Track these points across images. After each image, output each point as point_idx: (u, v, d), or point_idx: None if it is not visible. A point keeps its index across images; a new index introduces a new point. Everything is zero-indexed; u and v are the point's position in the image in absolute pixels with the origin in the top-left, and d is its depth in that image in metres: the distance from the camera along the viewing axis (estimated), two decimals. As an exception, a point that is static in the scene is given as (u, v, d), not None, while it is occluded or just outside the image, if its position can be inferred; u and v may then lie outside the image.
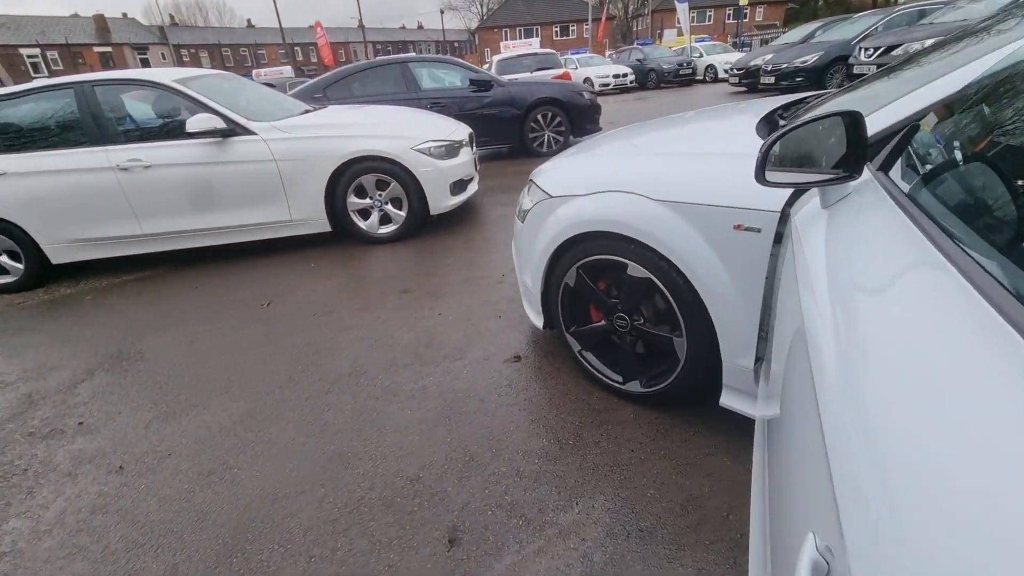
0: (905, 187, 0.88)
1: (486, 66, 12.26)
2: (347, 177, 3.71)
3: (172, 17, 53.44)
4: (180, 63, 44.94)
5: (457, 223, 4.27)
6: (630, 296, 1.73)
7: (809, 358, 0.66)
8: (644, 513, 1.46)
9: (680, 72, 16.76)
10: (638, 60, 17.83)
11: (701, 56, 17.88)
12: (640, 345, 1.83)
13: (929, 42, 7.82)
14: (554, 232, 1.86)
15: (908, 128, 1.00)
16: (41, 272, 3.79)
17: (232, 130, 3.53)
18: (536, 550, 1.38)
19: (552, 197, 1.90)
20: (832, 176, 0.97)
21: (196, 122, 3.38)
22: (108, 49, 41.45)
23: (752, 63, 12.10)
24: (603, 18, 31.20)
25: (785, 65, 10.72)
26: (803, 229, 1.06)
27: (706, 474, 1.57)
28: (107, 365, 2.58)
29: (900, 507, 0.40)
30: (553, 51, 11.29)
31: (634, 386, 1.84)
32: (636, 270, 1.65)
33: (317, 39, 23.14)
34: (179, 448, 1.92)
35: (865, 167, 1.00)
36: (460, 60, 6.81)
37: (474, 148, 4.44)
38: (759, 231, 1.32)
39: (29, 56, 37.70)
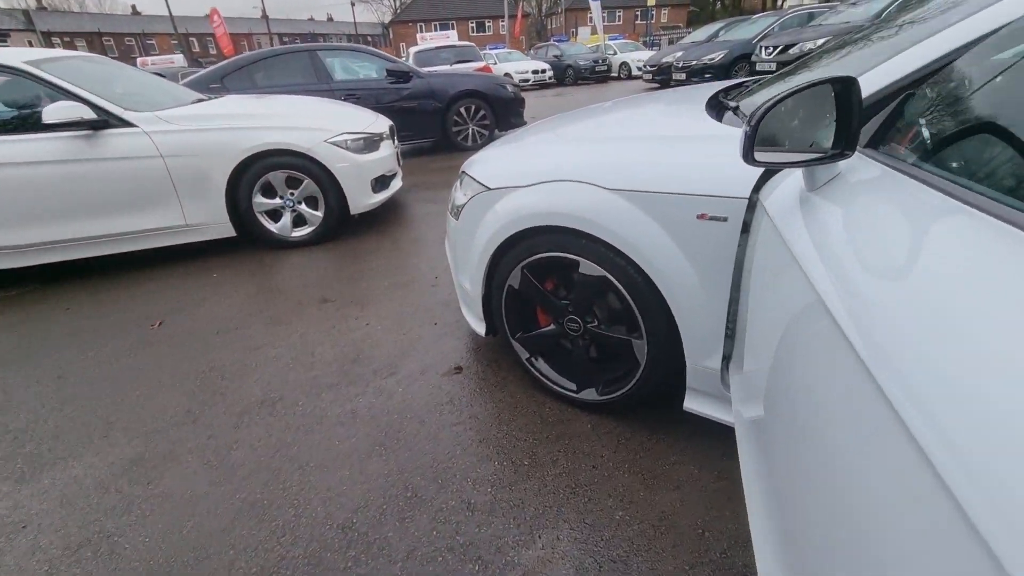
0: (913, 161, 0.77)
1: (402, 59, 11.79)
2: (252, 174, 3.29)
3: (39, 0, 47.05)
4: (51, 53, 39.62)
5: (381, 223, 3.95)
6: (582, 296, 1.57)
7: (854, 348, 0.58)
8: (614, 540, 1.30)
9: (596, 69, 17.20)
10: (555, 56, 18.10)
11: (615, 54, 18.47)
12: (594, 349, 1.68)
13: (820, 41, 8.48)
14: (494, 229, 1.66)
15: (905, 95, 0.90)
16: None
17: (105, 121, 2.99)
18: (498, 600, 1.19)
19: (489, 190, 1.70)
20: (823, 155, 0.85)
21: (55, 111, 2.82)
22: (-47, 35, 35.84)
23: (664, 60, 12.61)
24: (519, 14, 31.31)
25: (695, 62, 11.26)
26: (785, 216, 0.94)
27: (675, 487, 1.45)
28: (-58, 413, 2.06)
29: None
30: (472, 44, 11.05)
31: (590, 394, 1.69)
32: (589, 268, 1.49)
33: (214, 28, 21.29)
34: (38, 516, 1.52)
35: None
36: (375, 49, 6.41)
37: (396, 141, 4.13)
38: (725, 220, 1.20)
39: None
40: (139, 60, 18.69)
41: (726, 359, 1.36)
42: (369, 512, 1.43)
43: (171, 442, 1.78)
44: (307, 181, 3.38)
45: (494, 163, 1.79)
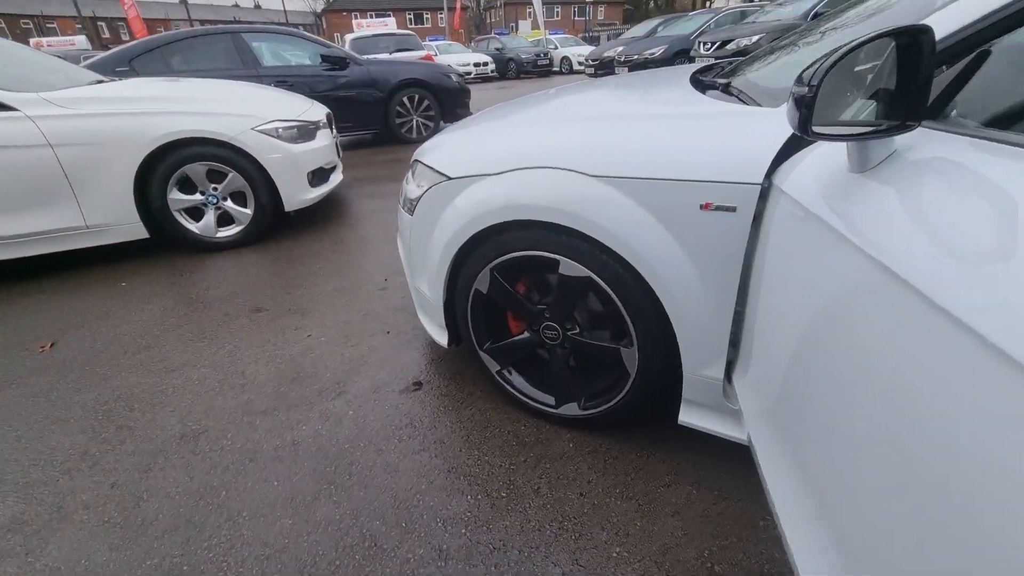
0: (995, 131, 0.63)
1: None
2: (166, 167, 2.87)
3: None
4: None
5: (321, 221, 3.60)
6: (563, 301, 1.38)
7: (993, 343, 0.46)
8: (615, 585, 1.12)
9: (539, 63, 17.20)
10: (497, 50, 17.94)
11: (556, 48, 18.54)
12: (575, 359, 1.49)
13: (755, 38, 8.76)
14: (457, 225, 1.44)
15: (980, 49, 0.74)
16: None
17: (-30, 103, 2.50)
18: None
19: (449, 179, 1.47)
20: (883, 126, 0.69)
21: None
22: None
23: (605, 55, 12.70)
24: (458, 7, 30.78)
25: (636, 56, 11.39)
26: (830, 201, 0.78)
27: (673, 511, 1.28)
28: None
29: None
30: (413, 32, 10.63)
31: (570, 409, 1.50)
32: (570, 268, 1.30)
33: (125, 11, 19.41)
34: None
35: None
36: (308, 33, 5.94)
37: (334, 130, 3.78)
38: (734, 210, 1.04)
39: None
40: (33, 41, 16.74)
41: (729, 367, 1.20)
42: (319, 572, 1.18)
43: (61, 495, 1.43)
44: (232, 174, 2.99)
45: (453, 149, 1.56)
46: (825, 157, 0.89)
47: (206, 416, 1.70)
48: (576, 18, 43.34)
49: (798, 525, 0.80)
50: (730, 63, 1.79)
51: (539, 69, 17.22)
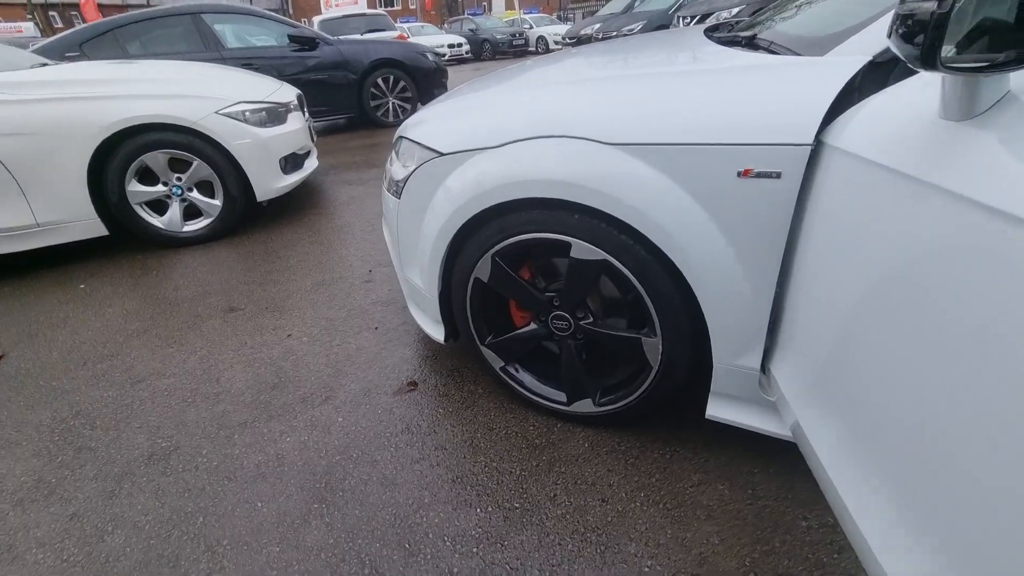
0: None
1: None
2: (122, 156, 2.63)
3: None
4: None
5: (296, 211, 3.39)
6: (575, 287, 1.23)
7: None
8: (652, 606, 1.00)
9: (514, 43, 16.86)
10: (471, 31, 17.56)
11: (531, 28, 18.17)
12: (588, 351, 1.35)
13: (735, 10, 8.61)
14: (452, 208, 1.27)
15: None
16: None
17: None
18: None
19: (442, 155, 1.31)
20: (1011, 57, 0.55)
21: None
22: None
23: (583, 32, 12.42)
24: (429, -13, 29.95)
25: (614, 33, 11.13)
26: (915, 158, 0.64)
27: (706, 515, 1.16)
28: None
29: None
30: (384, 12, 10.23)
31: (584, 406, 1.36)
32: (584, 250, 1.15)
33: (78, -2, 18.36)
34: None
35: None
36: (273, 13, 5.61)
37: (306, 113, 3.54)
38: (778, 176, 0.90)
39: None
40: (-26, 30, 15.79)
41: (764, 355, 1.08)
42: (313, 609, 1.03)
43: (11, 532, 1.25)
44: (197, 163, 2.76)
45: (444, 121, 1.38)
46: (892, 107, 0.76)
47: (177, 431, 1.53)
48: (550, -4, 42.57)
49: (877, 520, 0.69)
50: (739, 21, 1.63)
51: (515, 49, 16.89)
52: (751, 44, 1.20)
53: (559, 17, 25.67)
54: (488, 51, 16.87)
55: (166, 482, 1.36)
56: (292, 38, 5.24)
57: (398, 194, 1.46)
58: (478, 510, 1.22)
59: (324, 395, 1.63)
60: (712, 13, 9.16)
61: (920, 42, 0.52)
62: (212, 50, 4.98)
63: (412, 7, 35.38)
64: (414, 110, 5.94)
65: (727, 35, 1.37)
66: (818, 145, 0.87)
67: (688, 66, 1.12)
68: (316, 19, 9.33)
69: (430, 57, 5.99)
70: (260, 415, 1.57)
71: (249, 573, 1.11)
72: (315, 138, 3.68)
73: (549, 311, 1.30)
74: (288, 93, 3.28)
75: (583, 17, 23.43)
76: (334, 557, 1.13)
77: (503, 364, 1.45)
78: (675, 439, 1.36)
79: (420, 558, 1.12)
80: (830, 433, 0.83)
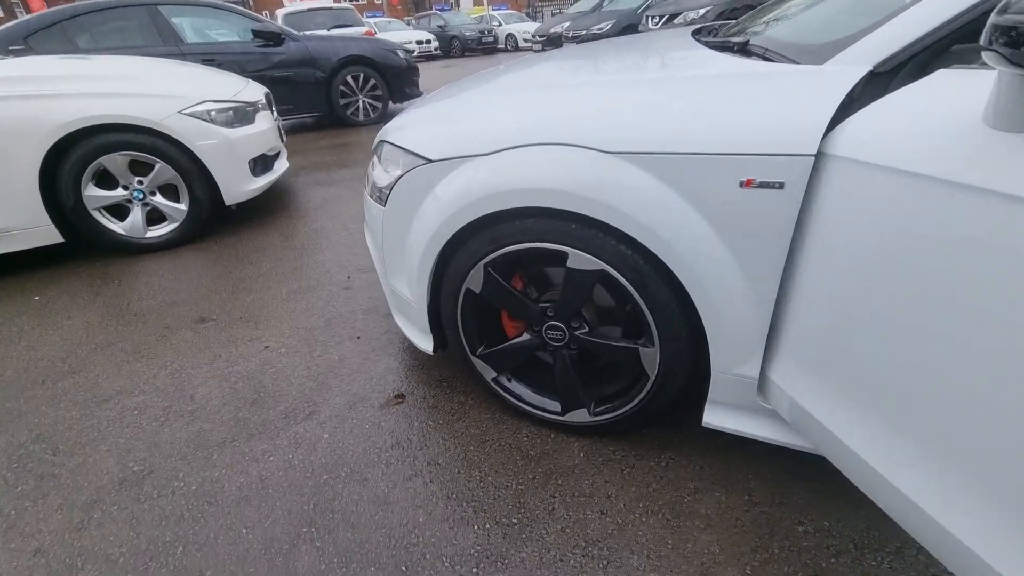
0: None
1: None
2: (77, 159, 2.47)
3: None
4: None
5: (267, 214, 3.27)
6: (571, 298, 1.21)
7: None
8: (659, 621, 0.99)
9: (483, 40, 16.72)
10: (439, 27, 17.30)
11: (500, 24, 18.06)
12: (582, 360, 1.33)
13: (702, 11, 8.76)
14: (442, 216, 1.23)
15: None
16: None
17: None
18: None
19: (431, 162, 1.26)
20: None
21: None
22: None
23: (553, 30, 12.44)
24: (395, -18, 29.43)
25: (584, 32, 11.19)
26: (964, 163, 0.65)
27: (704, 524, 1.16)
28: None
29: None
30: (351, 7, 10.00)
31: (579, 415, 1.35)
32: (581, 260, 1.13)
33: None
34: None
35: None
36: (236, 6, 5.40)
37: (275, 112, 3.42)
38: (781, 186, 0.89)
39: None
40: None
41: (765, 363, 1.08)
42: (307, 642, 0.98)
43: (-33, 572, 1.16)
44: (160, 165, 2.62)
45: (431, 125, 1.34)
46: (899, 115, 0.76)
47: (150, 454, 1.44)
48: (517, -6, 42.52)
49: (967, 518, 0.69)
50: (722, 24, 1.64)
51: (484, 47, 16.75)
52: (744, 51, 1.20)
53: (528, 15, 25.65)
54: (457, 48, 16.67)
55: (140, 509, 1.28)
56: (256, 33, 5.06)
57: (382, 201, 1.41)
58: (476, 527, 1.18)
59: (307, 410, 1.57)
60: (680, 13, 9.29)
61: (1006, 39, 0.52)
62: (170, 44, 4.76)
63: (378, 2, 34.78)
64: (385, 109, 5.84)
65: (718, 40, 1.36)
66: (819, 155, 0.87)
67: (683, 72, 1.11)
68: (280, 13, 9.02)
69: (401, 54, 5.89)
70: (240, 433, 1.49)
71: (236, 606, 1.05)
72: (284, 138, 3.56)
73: (543, 321, 1.27)
74: (256, 91, 3.15)
75: (552, 15, 23.49)
76: (327, 584, 1.08)
77: (495, 375, 1.42)
78: (670, 446, 1.35)
79: (418, 581, 1.08)
80: (865, 433, 0.84)
